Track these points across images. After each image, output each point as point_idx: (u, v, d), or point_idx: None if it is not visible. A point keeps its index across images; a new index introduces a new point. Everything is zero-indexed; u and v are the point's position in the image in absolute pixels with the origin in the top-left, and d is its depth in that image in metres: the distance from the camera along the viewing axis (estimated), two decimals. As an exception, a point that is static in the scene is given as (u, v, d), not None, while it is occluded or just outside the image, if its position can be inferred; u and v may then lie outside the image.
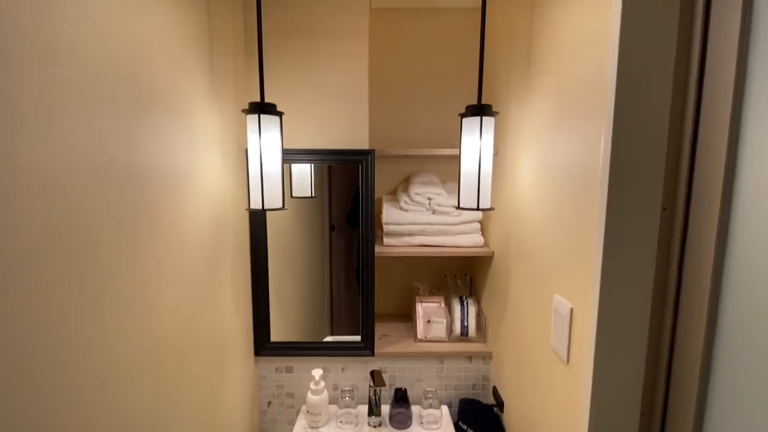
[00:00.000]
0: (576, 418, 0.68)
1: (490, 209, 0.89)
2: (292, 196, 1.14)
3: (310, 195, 1.15)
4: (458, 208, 0.91)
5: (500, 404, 1.10)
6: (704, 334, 0.57)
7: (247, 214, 1.10)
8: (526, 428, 0.93)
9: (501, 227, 1.12)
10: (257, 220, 1.12)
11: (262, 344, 1.17)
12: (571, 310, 0.69)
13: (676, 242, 0.61)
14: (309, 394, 1.09)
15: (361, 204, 1.13)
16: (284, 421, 1.22)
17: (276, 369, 1.19)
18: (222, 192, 0.94)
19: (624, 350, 0.63)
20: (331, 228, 1.23)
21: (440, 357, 1.20)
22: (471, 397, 1.20)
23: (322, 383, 1.10)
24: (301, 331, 1.21)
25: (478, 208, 0.89)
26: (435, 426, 1.09)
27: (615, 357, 0.63)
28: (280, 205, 0.87)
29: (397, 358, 1.20)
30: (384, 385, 1.03)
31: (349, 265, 1.22)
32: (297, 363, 1.19)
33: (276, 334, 1.19)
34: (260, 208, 0.85)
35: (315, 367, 1.14)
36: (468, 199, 0.89)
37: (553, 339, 0.76)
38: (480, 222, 1.22)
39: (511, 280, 1.02)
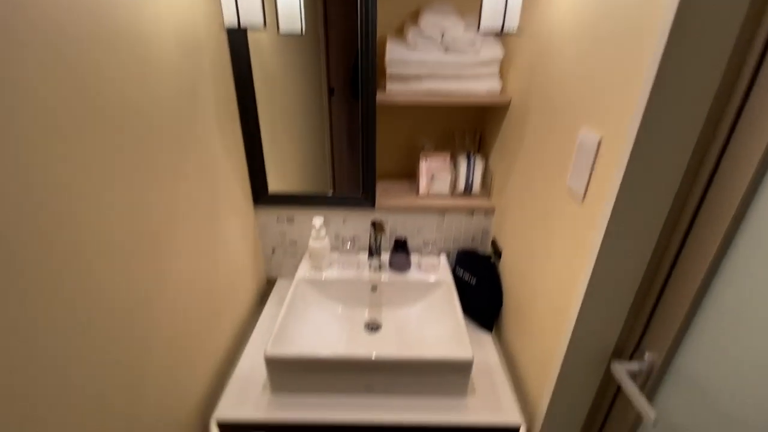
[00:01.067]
0: (583, 256, 0.66)
1: (516, 34, 0.73)
2: (279, 33, 0.95)
3: (300, 31, 0.96)
4: (478, 32, 0.75)
5: (498, 254, 1.12)
6: (743, 194, 0.50)
7: (225, 43, 0.94)
8: (522, 272, 0.95)
9: (523, 68, 0.96)
10: (238, 47, 0.95)
11: (260, 194, 1.14)
12: (600, 140, 0.61)
13: (740, 92, 0.49)
14: (311, 240, 1.11)
15: (360, 42, 0.95)
16: (289, 265, 1.28)
17: (277, 219, 1.19)
18: (190, 5, 0.76)
19: (649, 189, 0.57)
20: (330, 92, 1.08)
21: (441, 211, 1.18)
22: (469, 248, 1.23)
23: (323, 231, 1.11)
24: (300, 184, 1.17)
25: (501, 32, 0.73)
26: (432, 271, 1.14)
27: (638, 195, 0.57)
28: (260, 21, 0.71)
29: (398, 212, 1.19)
30: (384, 231, 1.03)
31: (352, 125, 1.10)
32: (298, 214, 1.18)
33: (274, 187, 1.15)
34: (236, 25, 0.70)
35: (315, 216, 1.13)
36: (491, 17, 0.73)
37: (569, 178, 0.70)
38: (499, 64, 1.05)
39: (527, 128, 0.92)
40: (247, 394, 0.88)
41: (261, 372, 0.94)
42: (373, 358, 0.83)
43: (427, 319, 1.05)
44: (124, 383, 0.59)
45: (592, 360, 0.72)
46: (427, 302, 1.10)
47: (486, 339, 1.07)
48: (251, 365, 0.96)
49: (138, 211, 0.61)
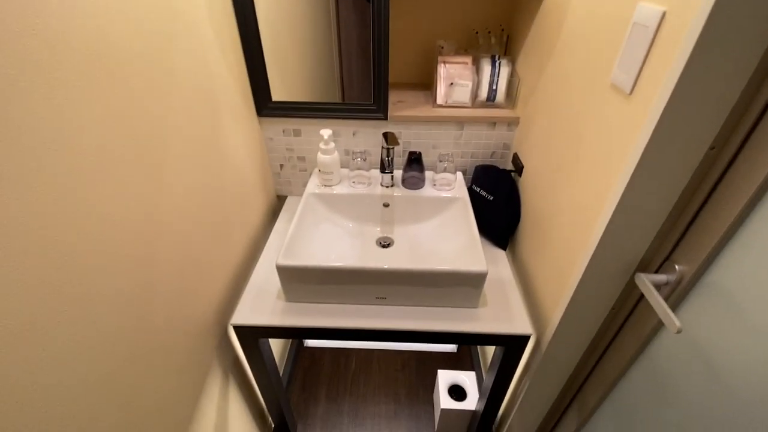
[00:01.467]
0: (621, 160, 0.59)
1: None
2: None
3: None
4: None
5: (519, 169, 1.05)
6: None
7: None
8: (545, 186, 0.88)
9: (569, -61, 0.79)
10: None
11: (263, 103, 1.05)
12: (663, 14, 0.50)
13: None
14: (319, 154, 1.05)
15: None
16: (298, 183, 1.24)
17: (283, 131, 1.12)
18: None
19: (718, 76, 0.47)
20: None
21: (460, 123, 1.09)
22: (488, 164, 1.15)
23: (332, 143, 1.04)
24: (306, 96, 1.07)
25: None
26: (447, 188, 1.08)
27: (702, 84, 0.48)
28: None
29: (412, 123, 1.10)
30: (397, 143, 0.95)
31: (362, 28, 0.96)
32: (304, 125, 1.11)
33: (278, 95, 1.06)
34: None
35: (324, 128, 1.05)
36: None
37: (615, 70, 0.60)
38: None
39: (567, 17, 0.79)
40: (261, 303, 0.90)
41: (274, 283, 0.95)
42: (386, 268, 0.82)
43: (441, 236, 1.03)
44: (136, 294, 0.58)
45: (614, 272, 0.69)
46: (441, 219, 1.06)
47: (500, 255, 1.05)
48: (265, 276, 0.97)
49: (125, 121, 0.55)
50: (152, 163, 0.61)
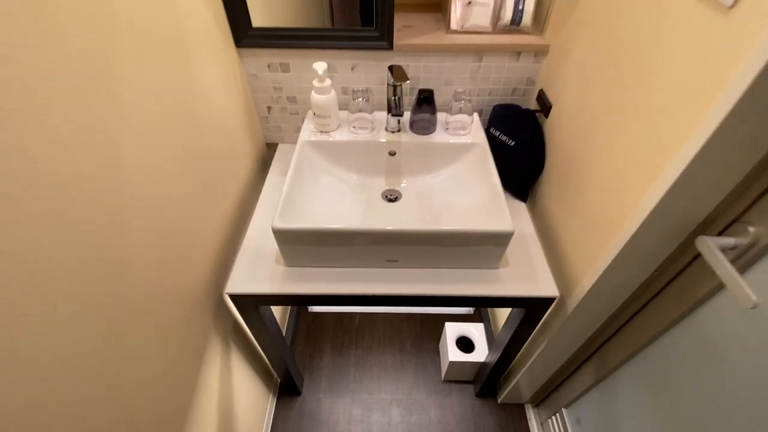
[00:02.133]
0: (706, 99, 0.46)
1: None
2: None
3: None
4: None
5: (545, 109, 0.91)
6: None
7: None
8: (582, 130, 0.76)
9: None
10: None
11: (242, 30, 0.87)
12: None
13: None
14: (313, 93, 0.89)
15: None
16: (290, 128, 1.09)
17: (269, 66, 0.94)
18: None
19: None
20: None
21: (479, 53, 0.92)
22: (509, 103, 1.00)
23: (328, 80, 0.87)
24: (294, 21, 0.88)
25: None
26: (462, 132, 0.95)
27: None
28: None
29: (421, 54, 0.92)
30: (406, 79, 0.80)
31: None
32: (293, 58, 0.93)
33: (259, 20, 0.87)
34: None
35: (317, 61, 0.88)
36: None
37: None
38: None
39: None
40: (258, 268, 0.81)
41: (271, 245, 0.85)
42: (396, 230, 0.72)
43: (456, 188, 0.91)
44: (105, 266, 0.47)
45: (670, 233, 0.60)
46: (457, 168, 0.94)
47: (520, 208, 0.95)
48: (260, 238, 0.87)
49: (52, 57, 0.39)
50: (98, 114, 0.47)
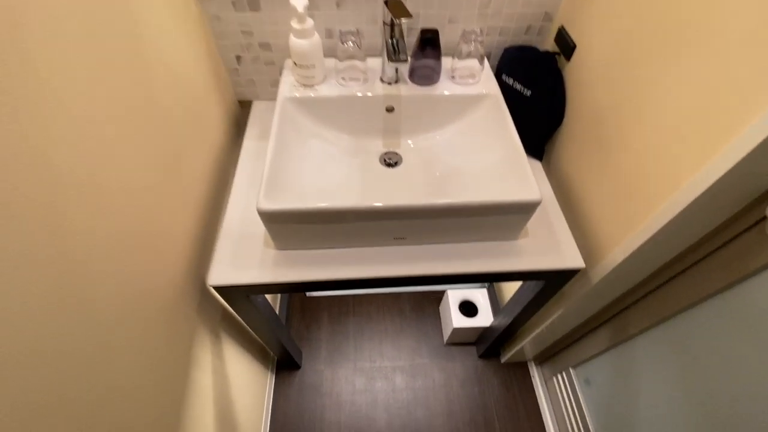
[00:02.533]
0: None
1: None
2: None
3: None
4: None
5: (567, 50, 0.78)
6: None
7: None
8: (623, 75, 0.64)
9: None
10: None
11: (195, -46, 0.68)
12: None
13: None
14: (291, 37, 0.72)
15: None
16: (265, 82, 0.92)
17: (234, 4, 0.76)
18: None
19: None
20: None
21: (491, -19, 0.76)
22: (522, 44, 0.86)
23: (309, 20, 0.71)
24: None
25: None
26: (471, 81, 0.81)
27: None
28: None
29: (422, -16, 0.76)
30: (407, 14, 0.64)
31: None
32: (264, -8, 0.75)
33: (216, -59, 0.67)
34: None
35: (294, -3, 0.70)
36: None
37: None
38: None
39: None
40: (244, 253, 0.70)
41: (256, 225, 0.73)
42: (401, 205, 0.61)
43: (467, 147, 0.80)
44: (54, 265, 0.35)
45: (731, 201, 0.51)
46: (466, 123, 0.82)
47: (535, 168, 0.86)
48: (242, 217, 0.75)
49: None
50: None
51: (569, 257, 0.71)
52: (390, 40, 0.71)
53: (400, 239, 0.70)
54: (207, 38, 0.78)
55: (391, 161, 0.82)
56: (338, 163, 0.79)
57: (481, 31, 0.79)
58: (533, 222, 0.75)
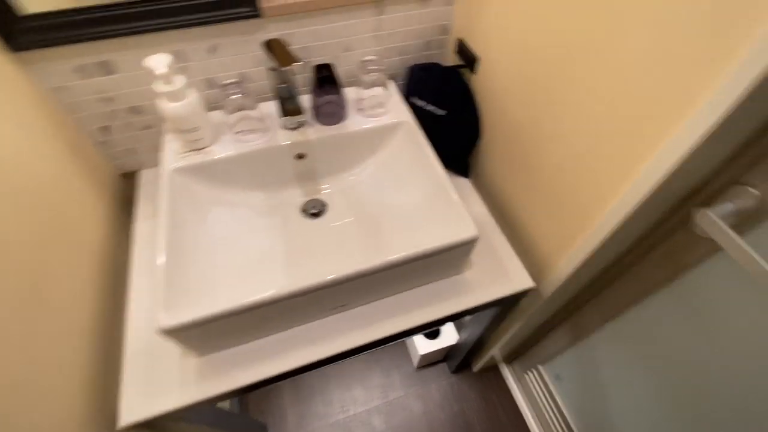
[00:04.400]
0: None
1: None
2: None
3: None
4: None
5: (470, 62, 0.75)
6: None
7: None
8: (535, 86, 0.61)
9: None
10: None
11: (9, 24, 0.53)
12: None
13: None
14: (160, 102, 0.60)
15: None
16: (148, 148, 0.78)
17: (81, 71, 0.62)
18: None
19: None
20: None
21: (378, 2, 0.70)
22: (424, 62, 0.82)
23: (180, 78, 0.59)
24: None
25: None
26: (380, 110, 0.75)
27: None
28: None
29: (303, 16, 0.68)
30: (297, 60, 0.56)
31: None
32: (115, 51, 0.62)
33: (37, 2, 0.54)
34: None
35: (152, 54, 0.58)
36: None
37: None
38: None
39: None
40: (158, 374, 0.57)
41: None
42: (334, 279, 0.53)
43: (391, 181, 0.74)
44: None
45: (663, 205, 0.51)
46: (385, 156, 0.75)
47: (464, 186, 0.82)
48: (148, 326, 0.62)
49: None
50: None
51: (517, 280, 0.68)
52: (281, 87, 0.62)
53: (340, 307, 0.62)
54: (54, 116, 0.63)
55: (315, 210, 0.74)
56: (253, 229, 0.69)
57: (379, 56, 0.73)
58: (477, 249, 0.72)
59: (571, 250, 0.61)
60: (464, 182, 0.83)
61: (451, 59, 0.82)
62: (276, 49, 0.59)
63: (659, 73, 0.40)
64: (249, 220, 0.70)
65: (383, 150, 0.75)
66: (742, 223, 0.47)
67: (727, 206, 0.46)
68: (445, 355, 1.25)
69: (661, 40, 0.39)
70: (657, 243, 0.58)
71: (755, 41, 0.32)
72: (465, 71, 0.78)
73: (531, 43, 0.58)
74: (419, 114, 0.77)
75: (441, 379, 1.24)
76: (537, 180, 0.65)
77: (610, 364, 0.79)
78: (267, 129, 0.71)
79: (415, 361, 1.22)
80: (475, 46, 0.72)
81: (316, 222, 0.72)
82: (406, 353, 1.29)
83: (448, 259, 0.61)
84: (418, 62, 0.81)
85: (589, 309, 0.78)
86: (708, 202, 0.48)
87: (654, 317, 0.65)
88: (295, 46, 0.71)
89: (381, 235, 0.68)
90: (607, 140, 0.49)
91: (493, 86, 0.71)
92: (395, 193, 0.72)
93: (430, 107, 0.77)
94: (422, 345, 1.13)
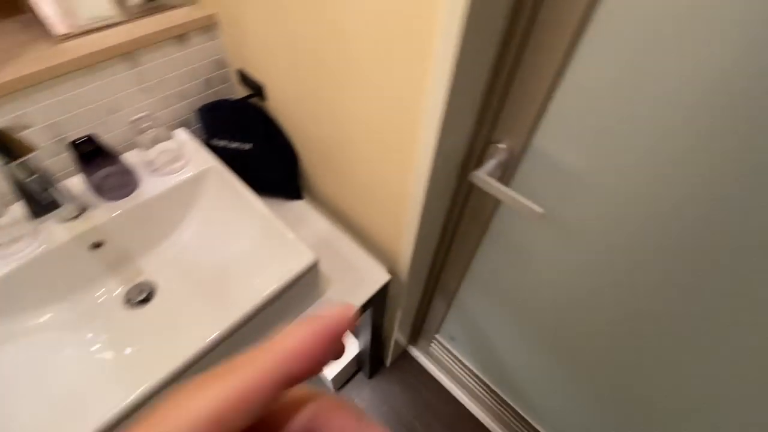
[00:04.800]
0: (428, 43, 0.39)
1: None
2: None
3: None
4: None
5: (257, 90, 0.73)
6: None
7: None
8: (320, 103, 0.63)
9: None
10: None
11: None
12: None
13: None
14: None
15: None
16: None
17: None
18: None
19: None
20: None
21: (126, 54, 0.63)
22: (213, 100, 0.77)
23: None
24: None
25: None
26: (178, 165, 0.68)
27: None
28: None
29: (33, 90, 0.57)
30: (30, 150, 0.46)
31: None
32: None
33: None
34: None
35: None
36: None
37: None
38: None
39: None
40: None
41: None
42: (180, 364, 0.47)
43: (216, 236, 0.68)
44: None
45: (449, 176, 0.58)
46: (202, 212, 0.69)
47: (301, 208, 0.81)
48: None
49: None
50: None
51: (376, 278, 0.71)
52: (26, 180, 0.51)
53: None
54: None
55: (142, 297, 0.64)
56: (64, 352, 0.56)
57: (153, 110, 0.66)
58: (329, 262, 0.72)
59: (404, 233, 0.66)
60: (301, 204, 0.82)
61: (239, 91, 0.80)
62: (4, 137, 0.48)
63: (397, 53, 0.44)
64: (56, 344, 0.57)
65: (197, 205, 0.69)
66: (507, 173, 0.57)
67: (491, 163, 0.55)
68: (356, 365, 1.25)
69: (384, 26, 0.44)
70: (463, 206, 0.67)
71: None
72: (257, 99, 0.76)
73: (295, 60, 0.59)
74: (225, 155, 0.73)
75: (361, 388, 1.24)
76: (355, 181, 0.68)
77: (482, 315, 0.90)
78: (35, 232, 0.58)
79: (330, 385, 1.19)
80: (256, 74, 0.71)
81: (147, 309, 0.63)
82: (319, 381, 1.25)
83: (300, 290, 0.60)
84: (206, 101, 0.76)
85: (445, 273, 0.86)
86: (479, 165, 0.57)
87: (491, 265, 0.75)
88: (37, 127, 0.59)
89: (224, 295, 0.63)
90: (385, 126, 0.53)
91: (285, 108, 0.71)
92: (226, 245, 0.67)
93: (234, 144, 0.74)
94: (328, 369, 1.11)
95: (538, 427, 1.00)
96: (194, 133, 0.76)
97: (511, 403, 1.04)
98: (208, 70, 0.75)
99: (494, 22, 0.40)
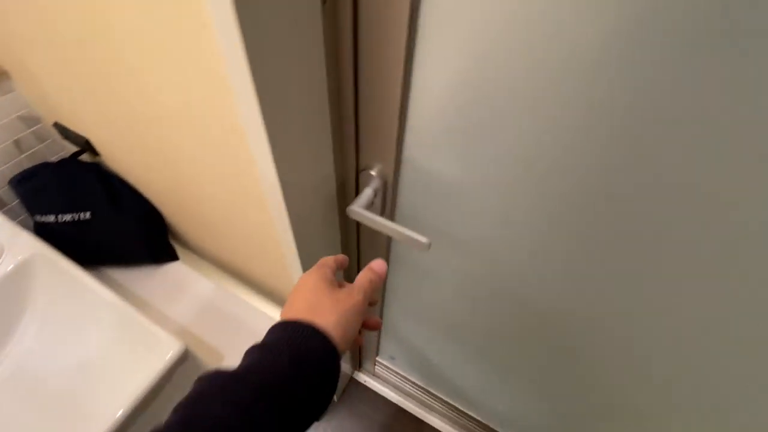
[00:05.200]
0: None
1: None
2: None
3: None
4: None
5: (84, 145, 0.59)
6: None
7: None
8: (157, 153, 0.52)
9: None
10: None
11: None
12: None
13: None
14: None
15: None
16: None
17: None
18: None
19: None
20: None
21: None
22: (28, 167, 0.62)
23: None
24: None
25: None
26: (-10, 258, 0.53)
27: None
28: None
29: None
30: None
31: None
32: None
33: None
34: None
35: None
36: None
37: None
38: None
39: None
40: None
41: None
42: None
43: (63, 335, 0.54)
44: None
45: (326, 209, 0.50)
46: (36, 310, 0.55)
47: (178, 270, 0.69)
48: None
49: None
50: None
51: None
52: None
53: None
54: None
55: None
56: None
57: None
58: (215, 332, 0.61)
59: (291, 274, 0.58)
60: (177, 266, 0.70)
61: (68, 148, 0.65)
62: None
63: (193, 82, 0.36)
64: None
65: (30, 304, 0.54)
66: (388, 201, 0.50)
67: (367, 193, 0.48)
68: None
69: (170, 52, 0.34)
70: (359, 234, 0.60)
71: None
72: (88, 156, 0.62)
73: (103, 108, 0.47)
74: (58, 232, 0.59)
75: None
76: (224, 228, 0.58)
77: (412, 332, 0.85)
78: None
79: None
80: (74, 126, 0.58)
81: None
82: None
83: (179, 381, 0.49)
84: (20, 169, 0.61)
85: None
86: (357, 195, 0.50)
87: (404, 287, 0.69)
88: None
89: (81, 412, 0.50)
90: (216, 163, 0.44)
91: (121, 161, 0.58)
92: (75, 347, 0.53)
93: (67, 217, 0.59)
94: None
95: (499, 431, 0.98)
96: (10, 213, 0.60)
97: (467, 411, 1.01)
98: (16, 130, 0.59)
99: (305, 53, 0.33)
